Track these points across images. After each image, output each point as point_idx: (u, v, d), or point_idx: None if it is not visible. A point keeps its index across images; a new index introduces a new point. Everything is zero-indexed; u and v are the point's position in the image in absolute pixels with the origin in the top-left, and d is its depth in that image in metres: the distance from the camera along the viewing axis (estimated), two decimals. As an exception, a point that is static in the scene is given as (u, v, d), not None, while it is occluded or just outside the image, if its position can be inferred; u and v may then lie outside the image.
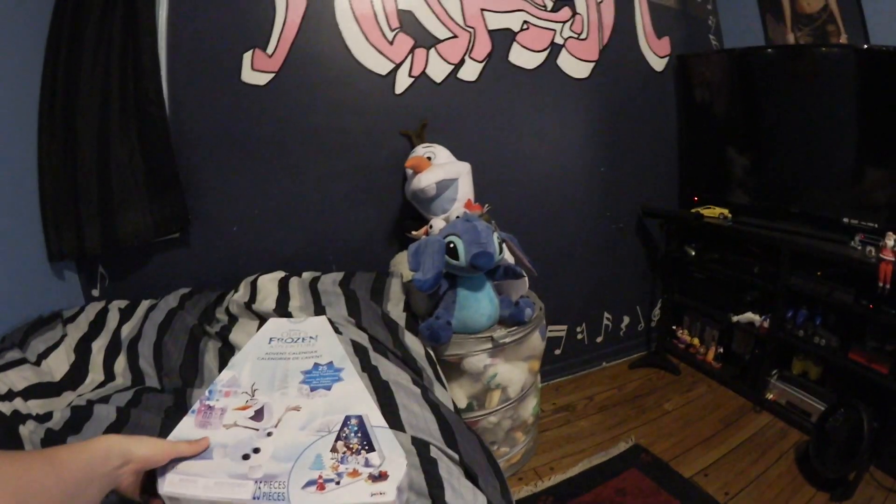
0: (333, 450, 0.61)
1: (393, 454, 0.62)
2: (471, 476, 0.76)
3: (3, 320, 1.19)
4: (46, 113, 1.35)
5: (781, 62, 1.76)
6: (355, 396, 0.73)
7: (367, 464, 0.60)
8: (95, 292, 1.57)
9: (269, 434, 0.64)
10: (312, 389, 0.73)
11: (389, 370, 0.97)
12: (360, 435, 0.65)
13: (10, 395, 0.94)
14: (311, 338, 0.88)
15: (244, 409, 0.68)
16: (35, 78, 1.33)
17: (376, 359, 1.00)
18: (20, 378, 1.00)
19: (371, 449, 0.62)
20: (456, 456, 0.77)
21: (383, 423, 0.68)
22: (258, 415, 0.67)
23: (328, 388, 0.73)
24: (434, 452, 0.75)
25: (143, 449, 0.56)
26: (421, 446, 0.75)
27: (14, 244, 1.27)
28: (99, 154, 1.39)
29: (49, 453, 0.48)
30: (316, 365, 0.79)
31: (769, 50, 1.90)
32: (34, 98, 1.34)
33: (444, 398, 1.06)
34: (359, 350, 1.01)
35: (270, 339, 0.86)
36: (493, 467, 0.86)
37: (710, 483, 1.50)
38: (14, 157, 1.29)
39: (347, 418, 0.67)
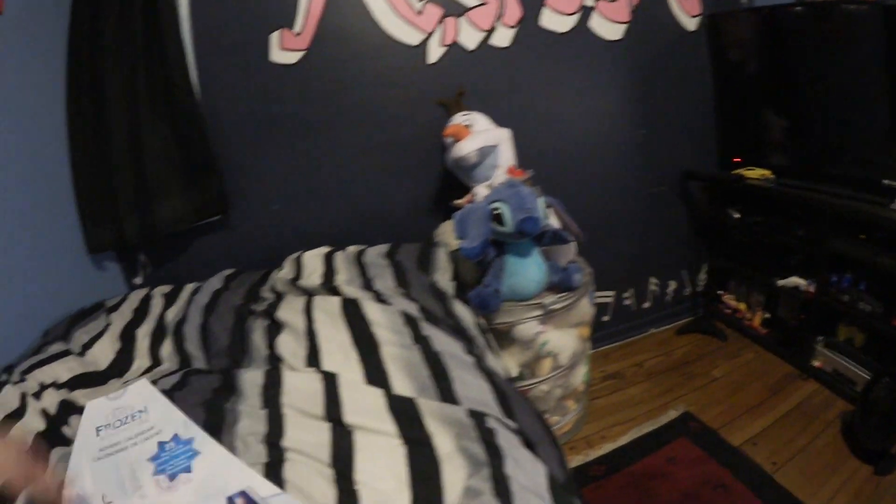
0: None
1: None
2: (529, 445, 0.74)
3: (45, 315, 1.21)
4: (74, 112, 1.37)
5: (810, 20, 1.69)
6: (223, 467, 0.62)
7: None
8: (138, 280, 1.59)
9: None
10: (171, 478, 0.60)
11: (441, 340, 0.96)
12: None
13: (55, 387, 0.94)
14: (139, 412, 0.73)
15: None
16: (59, 80, 1.35)
17: (427, 329, 0.99)
18: (65, 369, 1.01)
19: None
20: (514, 425, 0.76)
21: (271, 487, 0.58)
22: None
23: (188, 470, 0.61)
24: (491, 422, 0.73)
25: None
26: (477, 417, 0.73)
27: (52, 239, 1.28)
28: (131, 147, 1.40)
29: None
30: (161, 444, 0.66)
31: (797, 8, 1.83)
32: (60, 99, 1.35)
33: (497, 367, 1.05)
34: (409, 321, 1.00)
35: (98, 430, 0.70)
36: (550, 436, 0.84)
37: (758, 452, 1.47)
38: (46, 156, 1.31)
39: (231, 500, 0.56)
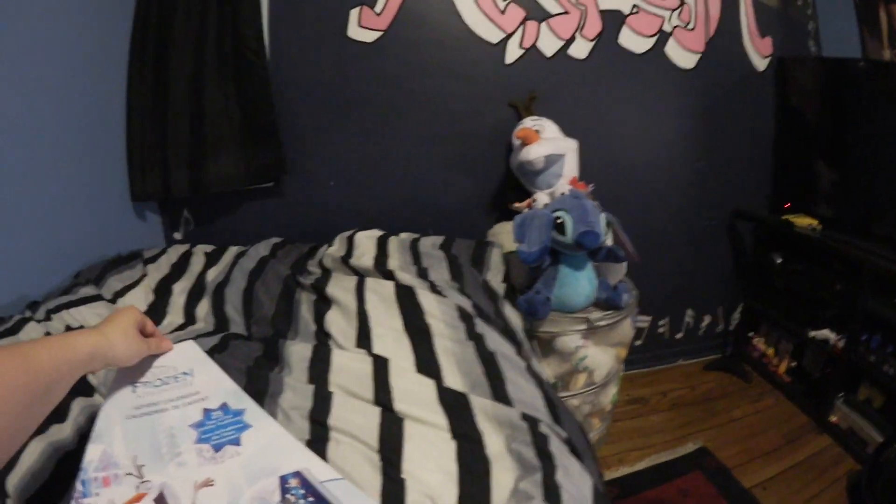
0: None
1: None
2: (576, 455, 0.72)
3: (77, 257, 1.18)
4: (137, 54, 1.35)
5: (874, 78, 1.69)
6: (277, 444, 0.56)
7: None
8: (178, 235, 1.59)
9: None
10: (217, 449, 0.53)
11: (495, 340, 0.95)
12: (311, 499, 0.49)
13: None
14: (184, 374, 0.64)
15: (137, 500, 0.48)
16: (127, 16, 1.32)
17: (481, 327, 0.98)
18: (93, 315, 0.98)
19: None
20: (564, 434, 0.74)
21: (330, 471, 0.53)
22: None
23: (237, 443, 0.55)
24: (544, 428, 0.72)
25: (122, 352, 0.55)
26: (531, 422, 0.72)
27: (96, 180, 1.27)
28: (192, 99, 1.39)
29: (24, 350, 0.43)
30: (207, 412, 0.59)
31: (862, 63, 1.83)
32: (125, 38, 1.33)
33: (542, 373, 1.04)
34: (464, 316, 0.99)
35: (134, 386, 0.62)
36: (591, 449, 0.82)
37: (766, 497, 1.47)
38: (103, 96, 1.28)
39: (284, 480, 0.50)
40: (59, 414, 0.69)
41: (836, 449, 1.69)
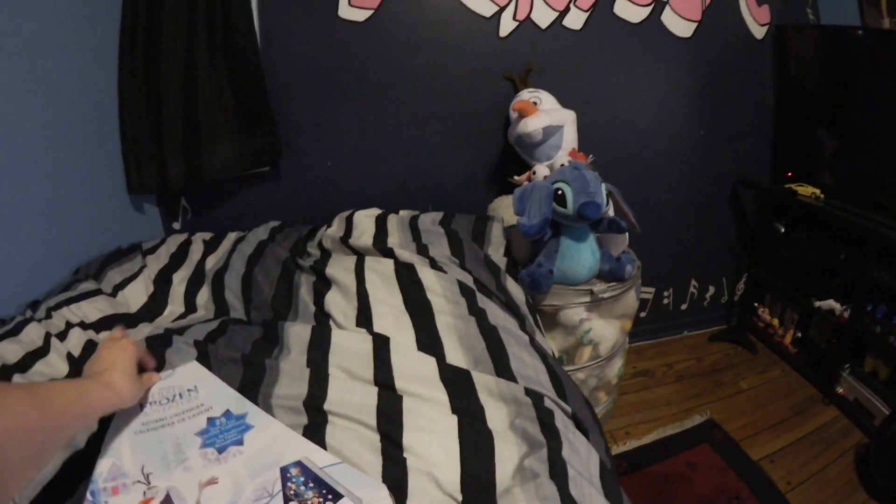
0: None
1: (368, 490, 0.51)
2: (582, 430, 0.71)
3: (76, 253, 1.17)
4: (127, 46, 1.32)
5: (874, 47, 1.66)
6: (278, 440, 0.58)
7: None
8: (177, 225, 1.58)
9: None
10: (221, 451, 0.56)
11: (497, 314, 0.94)
12: (311, 485, 0.51)
13: (82, 326, 0.90)
14: (188, 391, 0.67)
15: None
16: (116, 8, 1.30)
17: (483, 301, 0.96)
18: (94, 309, 0.97)
19: (337, 496, 0.49)
20: (569, 409, 0.73)
21: (329, 457, 0.55)
22: None
23: (240, 444, 0.57)
24: (548, 403, 0.71)
25: (128, 399, 0.56)
26: (535, 397, 0.71)
27: (92, 175, 1.25)
28: (185, 89, 1.37)
29: (37, 391, 0.44)
30: (210, 420, 0.61)
31: (861, 32, 1.80)
32: (114, 31, 1.31)
33: (546, 347, 1.03)
34: (465, 291, 0.98)
35: (142, 405, 0.65)
36: (598, 424, 0.82)
37: (774, 470, 1.47)
38: (93, 88, 1.26)
39: (285, 470, 0.52)
40: None
41: (843, 421, 1.69)
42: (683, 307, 2.08)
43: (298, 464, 0.53)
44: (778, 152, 1.97)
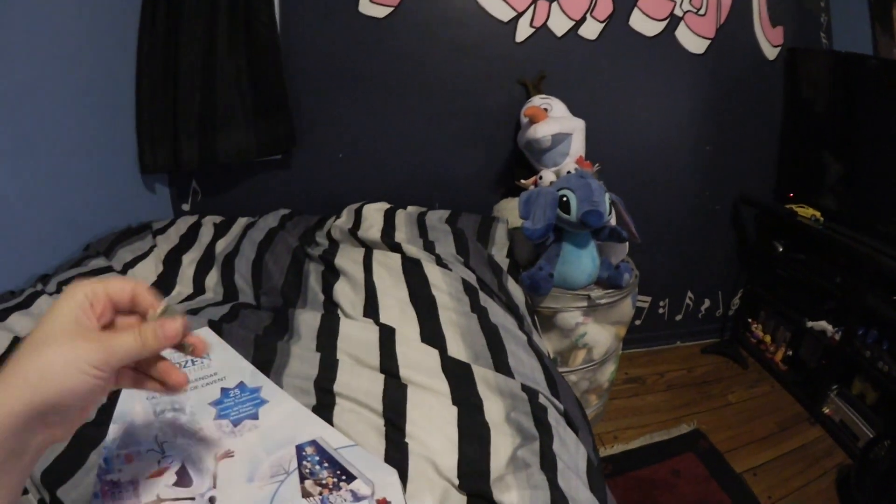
0: (305, 494, 0.48)
1: (379, 473, 0.51)
2: (573, 427, 0.75)
3: (86, 228, 1.19)
4: (147, 26, 1.34)
5: (885, 76, 1.68)
6: (293, 417, 0.58)
7: (355, 497, 0.48)
8: (186, 206, 1.60)
9: (212, 500, 0.47)
10: (235, 424, 0.56)
11: (497, 313, 0.97)
12: (326, 464, 0.51)
13: None
14: (201, 358, 0.65)
15: (160, 473, 0.49)
16: None
17: (485, 300, 1.00)
18: None
19: (351, 477, 0.50)
20: (561, 406, 0.77)
21: (343, 438, 0.56)
22: (183, 478, 0.49)
23: (255, 417, 0.57)
24: (542, 400, 0.74)
25: (69, 389, 0.31)
26: (531, 393, 0.74)
27: (106, 152, 1.27)
28: (203, 70, 1.39)
29: None
30: (224, 391, 0.61)
31: (874, 61, 1.82)
32: (135, 9, 1.32)
33: (543, 347, 1.06)
34: (468, 289, 1.01)
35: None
36: (587, 423, 0.85)
37: (756, 483, 1.50)
38: (113, 66, 1.28)
39: (300, 448, 0.53)
40: None
41: (827, 441, 1.72)
42: (678, 318, 2.11)
43: (313, 443, 0.54)
44: (782, 172, 2.00)
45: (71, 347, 0.31)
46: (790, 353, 1.96)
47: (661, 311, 2.07)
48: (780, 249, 1.90)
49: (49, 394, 0.30)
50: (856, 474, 1.45)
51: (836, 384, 1.78)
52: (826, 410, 1.77)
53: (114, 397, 0.59)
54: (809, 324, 1.82)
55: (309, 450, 0.53)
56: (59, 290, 0.92)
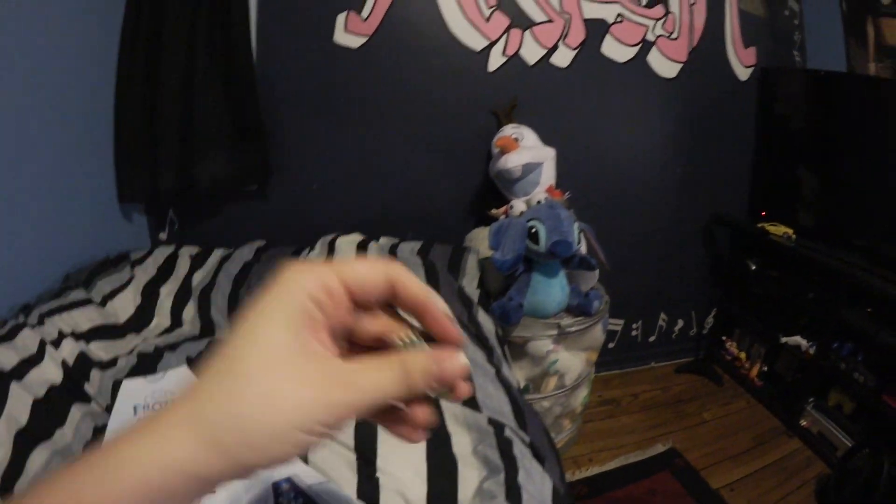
0: None
1: None
2: (538, 458, 0.78)
3: (65, 258, 1.19)
4: (127, 55, 1.36)
5: (860, 92, 1.72)
6: None
7: None
8: (163, 236, 1.60)
9: None
10: None
11: (467, 346, 1.00)
12: (302, 501, 0.53)
13: (74, 336, 0.94)
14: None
15: None
16: (117, 17, 1.32)
17: None
18: (85, 319, 1.01)
19: None
20: (527, 438, 0.79)
21: (316, 475, 0.58)
22: None
23: None
24: (508, 433, 0.77)
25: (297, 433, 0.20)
26: (497, 427, 0.77)
27: (83, 181, 1.27)
28: (181, 100, 1.39)
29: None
30: None
31: (849, 77, 1.86)
32: (115, 39, 1.33)
33: (512, 379, 1.09)
34: None
35: (135, 409, 0.66)
36: (555, 452, 0.88)
37: (734, 498, 1.52)
38: (91, 95, 1.29)
39: (277, 486, 0.55)
40: (59, 417, 0.73)
41: (805, 452, 1.74)
42: (652, 339, 2.13)
43: (289, 480, 0.55)
44: (755, 192, 2.02)
45: (296, 399, 0.20)
46: (765, 368, 1.99)
47: (634, 333, 2.08)
48: (754, 268, 1.93)
49: (248, 463, 0.20)
50: (835, 483, 1.47)
51: (813, 397, 1.80)
52: (803, 423, 1.79)
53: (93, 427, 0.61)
54: (784, 339, 1.84)
55: (285, 486, 0.55)
56: (41, 323, 0.92)
